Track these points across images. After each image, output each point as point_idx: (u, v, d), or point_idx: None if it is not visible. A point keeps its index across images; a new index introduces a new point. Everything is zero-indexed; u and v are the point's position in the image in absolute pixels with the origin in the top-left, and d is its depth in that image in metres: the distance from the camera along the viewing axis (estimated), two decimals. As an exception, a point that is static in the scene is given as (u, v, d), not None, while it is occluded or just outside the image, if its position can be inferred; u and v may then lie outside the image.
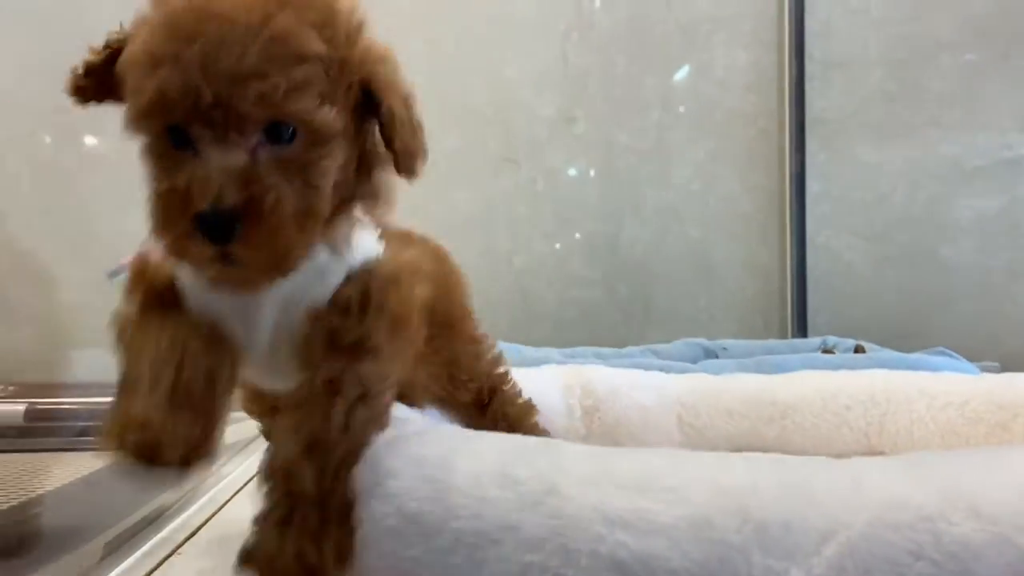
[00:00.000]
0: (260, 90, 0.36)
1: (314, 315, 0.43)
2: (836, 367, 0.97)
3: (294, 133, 0.38)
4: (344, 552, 0.38)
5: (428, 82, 1.68)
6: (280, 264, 0.39)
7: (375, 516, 0.37)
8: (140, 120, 0.38)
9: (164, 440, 0.38)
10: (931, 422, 0.86)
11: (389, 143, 0.42)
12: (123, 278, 0.94)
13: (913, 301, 1.57)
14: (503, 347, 1.20)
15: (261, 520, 0.39)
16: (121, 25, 0.41)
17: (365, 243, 0.46)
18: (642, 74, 1.59)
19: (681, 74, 1.59)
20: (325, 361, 0.41)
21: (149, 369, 0.40)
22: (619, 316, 1.60)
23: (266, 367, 0.45)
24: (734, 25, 1.57)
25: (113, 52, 0.40)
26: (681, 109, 1.59)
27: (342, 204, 0.43)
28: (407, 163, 0.42)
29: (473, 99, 1.55)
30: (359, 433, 0.40)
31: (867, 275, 1.58)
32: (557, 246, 1.60)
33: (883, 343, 1.34)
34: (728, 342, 1.45)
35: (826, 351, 1.20)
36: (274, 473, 0.39)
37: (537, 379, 0.88)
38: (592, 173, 1.59)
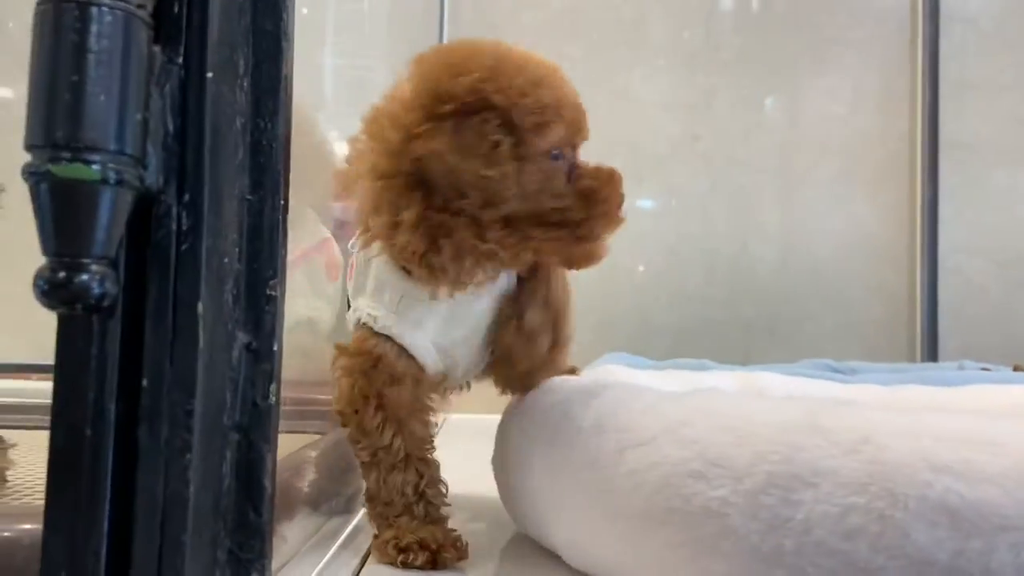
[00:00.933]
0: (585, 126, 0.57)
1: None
2: (1005, 382, 0.95)
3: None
4: None
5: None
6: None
7: (673, 460, 0.39)
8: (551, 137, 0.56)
9: (442, 549, 0.51)
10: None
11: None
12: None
13: (1048, 328, 1.53)
14: (647, 362, 1.21)
15: None
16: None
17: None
18: (767, 96, 1.59)
19: (808, 96, 1.59)
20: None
21: (400, 496, 0.53)
22: (740, 335, 1.59)
23: (470, 361, 0.57)
24: (864, 48, 1.57)
25: None
26: (808, 131, 1.58)
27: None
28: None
29: (601, 116, 1.57)
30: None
31: (1000, 300, 1.54)
32: (679, 265, 1.60)
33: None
34: (856, 363, 1.43)
35: (984, 369, 1.17)
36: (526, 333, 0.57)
37: (710, 381, 0.89)
38: (715, 191, 1.59)
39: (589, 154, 1.65)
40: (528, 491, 0.52)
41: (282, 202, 0.35)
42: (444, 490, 0.55)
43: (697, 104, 1.59)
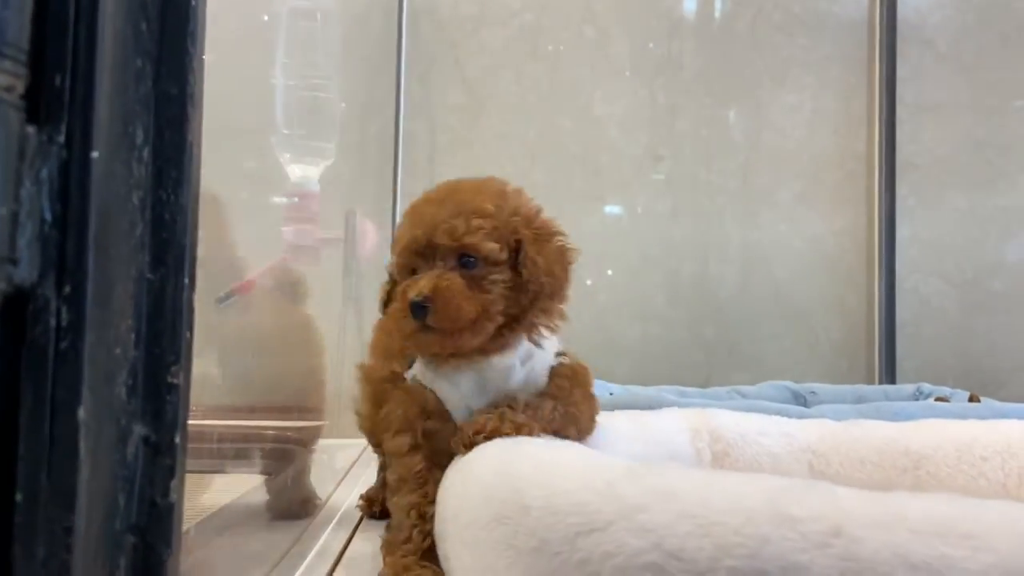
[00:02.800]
0: (446, 228, 0.59)
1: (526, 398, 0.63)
2: (960, 416, 0.95)
3: (473, 260, 0.59)
4: None
5: (518, 118, 1.70)
6: (459, 331, 0.58)
7: (628, 551, 0.37)
8: (396, 269, 0.63)
9: None
10: (1074, 474, 0.84)
11: (523, 288, 0.60)
12: (232, 302, 0.94)
13: (1003, 350, 1.54)
14: (614, 388, 1.19)
15: None
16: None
17: (547, 351, 0.65)
18: (729, 115, 1.59)
19: (768, 116, 1.59)
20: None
21: (411, 515, 0.58)
22: (702, 356, 1.58)
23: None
24: (823, 69, 1.57)
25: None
26: (768, 150, 1.58)
27: (512, 320, 0.61)
28: (536, 291, 0.60)
29: (562, 137, 1.56)
30: None
31: (957, 322, 1.55)
32: (641, 284, 1.59)
33: (973, 391, 1.31)
34: (817, 386, 1.43)
35: (940, 399, 1.17)
36: None
37: (661, 423, 0.87)
38: (677, 212, 1.58)
39: (553, 173, 1.62)
40: (456, 565, 0.49)
41: (187, 280, 0.32)
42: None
43: (659, 123, 1.58)
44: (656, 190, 1.59)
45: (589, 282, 1.58)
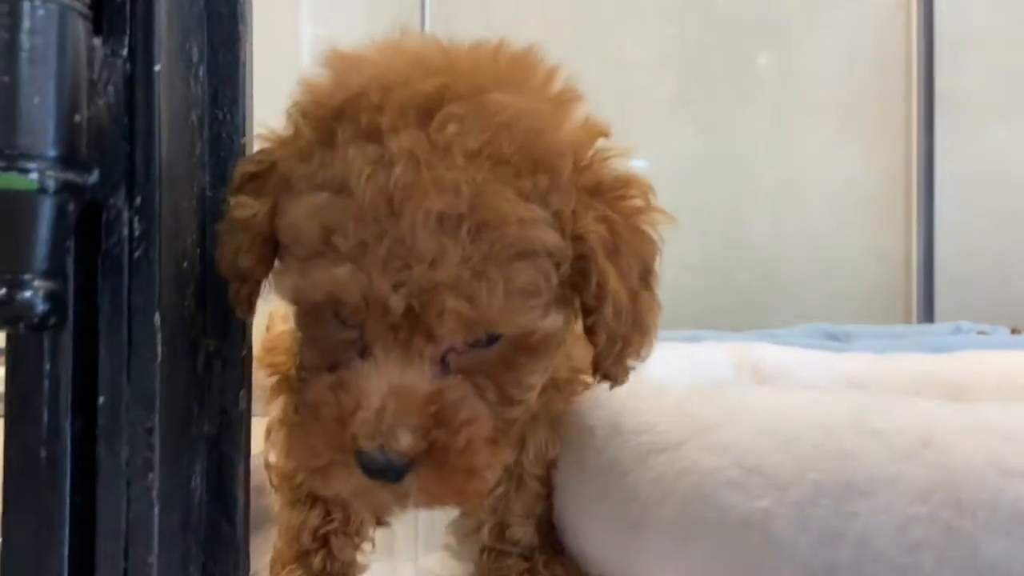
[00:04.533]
0: (460, 308, 0.28)
1: None
2: (1000, 348, 0.94)
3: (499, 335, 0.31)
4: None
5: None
6: (467, 496, 0.33)
7: (703, 468, 0.37)
8: (304, 304, 0.31)
9: None
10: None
11: (590, 331, 0.34)
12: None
13: (1045, 286, 1.52)
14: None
15: None
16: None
17: None
18: (762, 53, 1.56)
19: (801, 55, 1.56)
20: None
21: (303, 539, 0.42)
22: (736, 300, 1.57)
23: None
24: (858, 4, 1.53)
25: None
26: (801, 91, 1.55)
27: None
28: (608, 358, 0.35)
29: (592, 82, 1.54)
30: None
31: (997, 259, 1.52)
32: (672, 230, 1.58)
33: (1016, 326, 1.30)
34: (853, 328, 1.42)
35: (980, 333, 1.16)
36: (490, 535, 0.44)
37: (705, 355, 0.87)
38: (709, 156, 1.57)
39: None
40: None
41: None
42: (365, 534, 0.45)
43: (689, 64, 1.56)
44: (687, 134, 1.57)
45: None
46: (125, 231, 0.27)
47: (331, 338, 0.31)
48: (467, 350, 0.31)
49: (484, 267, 0.28)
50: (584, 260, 0.32)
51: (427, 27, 1.50)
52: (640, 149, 1.56)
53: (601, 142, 0.37)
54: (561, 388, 0.43)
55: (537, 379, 0.34)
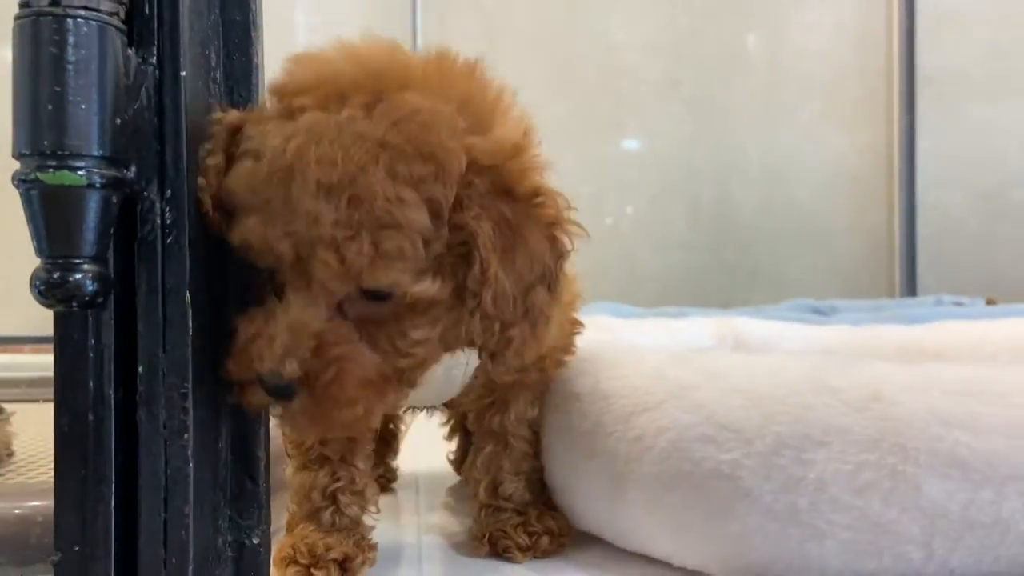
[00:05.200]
0: (331, 261, 0.34)
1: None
2: (973, 318, 0.98)
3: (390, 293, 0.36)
4: (552, 534, 0.49)
5: (536, 49, 1.70)
6: (340, 425, 0.38)
7: (681, 424, 0.41)
8: (237, 251, 0.35)
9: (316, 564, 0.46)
10: (1084, 366, 0.87)
11: (472, 312, 0.37)
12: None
13: (1024, 259, 1.56)
14: (640, 311, 1.23)
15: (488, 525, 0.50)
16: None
17: None
18: (748, 35, 1.59)
19: (787, 35, 1.58)
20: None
21: (313, 497, 0.48)
22: (725, 278, 1.61)
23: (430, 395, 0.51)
24: (842, -18, 1.56)
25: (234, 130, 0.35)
26: (787, 70, 1.58)
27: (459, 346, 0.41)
28: (490, 339, 0.38)
29: (581, 65, 1.57)
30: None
31: (977, 232, 1.56)
32: (662, 210, 1.61)
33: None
34: (838, 302, 1.46)
35: (956, 304, 1.20)
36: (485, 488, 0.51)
37: (688, 329, 0.91)
38: (697, 136, 1.60)
39: (572, 103, 1.63)
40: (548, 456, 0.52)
41: (261, 188, 0.36)
42: (369, 495, 0.50)
43: (678, 47, 1.59)
44: (676, 115, 1.60)
45: (614, 212, 1.61)
46: (158, 220, 0.31)
47: (255, 281, 0.37)
48: (363, 303, 0.36)
49: (355, 231, 0.33)
50: (466, 247, 0.36)
51: (419, 17, 1.52)
52: (631, 130, 1.61)
53: (528, 156, 0.39)
54: (537, 361, 0.47)
55: (422, 335, 0.37)
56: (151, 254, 0.31)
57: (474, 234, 0.36)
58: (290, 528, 0.48)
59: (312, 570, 0.45)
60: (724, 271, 1.62)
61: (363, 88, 0.35)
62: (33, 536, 0.38)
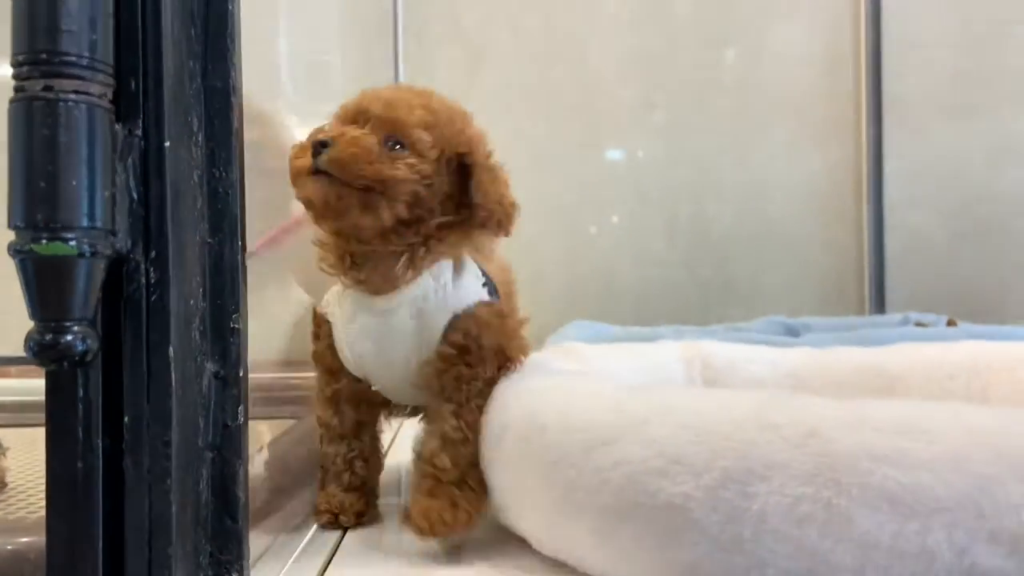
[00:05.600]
0: (387, 99, 0.56)
1: (437, 355, 0.58)
2: (932, 339, 1.02)
3: (402, 148, 0.55)
4: (473, 513, 0.56)
5: (516, 72, 1.73)
6: (352, 190, 0.53)
7: (637, 458, 0.44)
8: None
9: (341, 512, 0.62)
10: (1036, 389, 0.90)
11: (474, 201, 0.57)
12: (250, 259, 1.01)
13: (990, 276, 1.60)
14: (615, 330, 1.26)
15: (416, 490, 0.58)
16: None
17: (470, 286, 0.60)
18: (721, 58, 1.63)
19: (758, 58, 1.63)
20: (447, 389, 0.58)
21: (337, 463, 0.63)
22: (700, 294, 1.65)
23: (390, 383, 0.62)
24: (811, 7, 1.60)
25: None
26: (759, 92, 1.62)
27: (427, 235, 0.57)
28: (485, 216, 0.57)
29: (558, 87, 1.60)
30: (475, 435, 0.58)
31: (944, 250, 1.61)
32: (640, 228, 1.64)
33: (960, 318, 1.38)
34: (809, 319, 1.50)
35: (919, 324, 1.24)
36: (424, 459, 0.58)
37: (657, 354, 0.94)
38: (674, 156, 1.63)
39: (552, 124, 1.67)
40: (497, 483, 0.56)
41: (240, 243, 0.39)
42: (374, 464, 0.65)
43: (653, 69, 1.62)
44: (653, 136, 1.63)
45: (593, 229, 1.64)
46: (143, 280, 0.33)
47: None
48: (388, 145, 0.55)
49: (399, 100, 0.57)
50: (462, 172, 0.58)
51: (400, 41, 1.55)
52: (609, 150, 1.64)
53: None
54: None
55: (410, 175, 0.55)
56: (136, 312, 0.33)
57: (473, 164, 0.57)
58: (322, 486, 0.64)
59: (339, 517, 0.62)
60: (700, 287, 1.65)
61: (372, 109, 0.56)
62: (27, 572, 0.40)
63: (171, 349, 0.33)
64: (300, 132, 1.21)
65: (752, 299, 1.64)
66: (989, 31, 1.58)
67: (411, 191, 0.54)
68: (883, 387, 0.96)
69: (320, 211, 0.55)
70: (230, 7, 0.38)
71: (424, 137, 0.55)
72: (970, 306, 1.56)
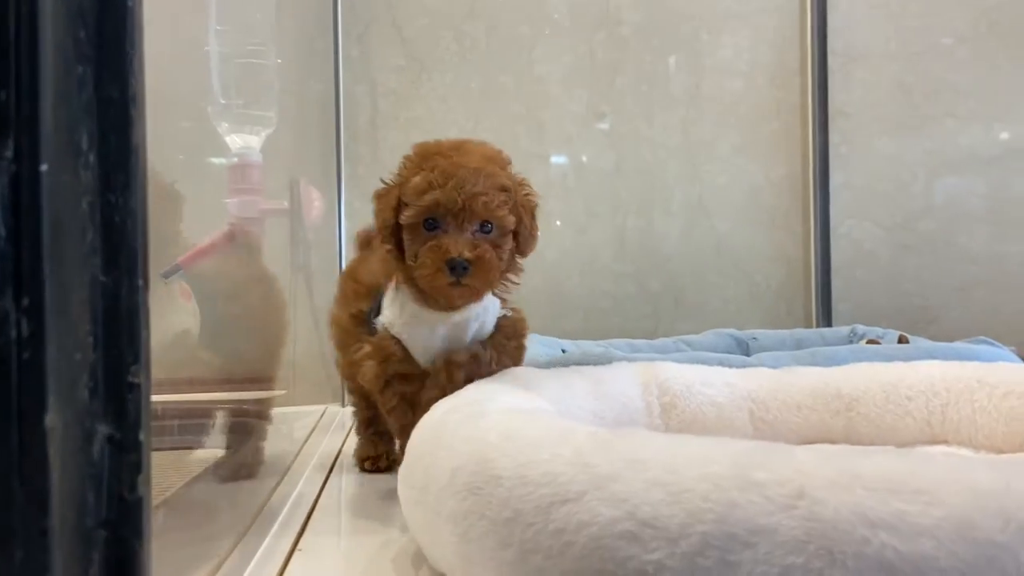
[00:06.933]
0: (484, 201, 0.68)
1: (489, 341, 0.77)
2: (888, 358, 1.00)
3: (492, 228, 0.70)
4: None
5: (460, 79, 1.69)
6: (485, 288, 0.72)
7: (603, 520, 0.39)
8: (415, 216, 0.69)
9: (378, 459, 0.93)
10: (994, 410, 0.89)
11: (517, 240, 0.74)
12: (178, 277, 0.94)
13: (933, 289, 1.61)
14: (565, 345, 1.22)
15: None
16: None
17: (495, 299, 0.77)
18: (668, 70, 1.61)
19: (706, 69, 1.61)
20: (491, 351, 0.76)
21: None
22: (649, 308, 1.62)
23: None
24: (758, 21, 1.59)
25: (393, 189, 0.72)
26: (707, 104, 1.61)
27: (502, 272, 0.74)
28: (523, 249, 0.75)
29: (504, 96, 1.56)
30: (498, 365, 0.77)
31: (888, 264, 1.61)
32: (588, 240, 1.61)
33: (904, 330, 1.38)
34: (758, 332, 1.48)
35: (871, 342, 1.22)
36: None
37: (613, 379, 0.90)
38: (621, 168, 1.60)
39: (496, 133, 1.62)
40: (434, 538, 0.51)
41: (141, 281, 0.33)
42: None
43: (599, 80, 1.59)
44: (600, 147, 1.60)
45: (542, 245, 1.59)
46: (13, 333, 0.27)
47: (428, 238, 0.70)
48: (481, 232, 0.70)
49: (489, 191, 0.69)
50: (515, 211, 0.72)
51: (340, 47, 1.49)
52: (556, 162, 1.60)
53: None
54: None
55: (503, 254, 0.72)
56: (4, 372, 0.27)
57: (521, 207, 0.73)
58: (358, 432, 0.95)
59: (377, 462, 0.92)
60: (649, 300, 1.62)
61: (437, 153, 0.71)
62: None
63: (47, 418, 0.27)
64: (232, 139, 1.14)
65: (701, 312, 1.62)
66: (930, 47, 1.60)
67: (503, 266, 0.73)
68: (841, 408, 0.94)
69: (451, 306, 0.73)
70: (129, 4, 0.32)
71: (509, 218, 0.70)
72: (913, 317, 1.57)
